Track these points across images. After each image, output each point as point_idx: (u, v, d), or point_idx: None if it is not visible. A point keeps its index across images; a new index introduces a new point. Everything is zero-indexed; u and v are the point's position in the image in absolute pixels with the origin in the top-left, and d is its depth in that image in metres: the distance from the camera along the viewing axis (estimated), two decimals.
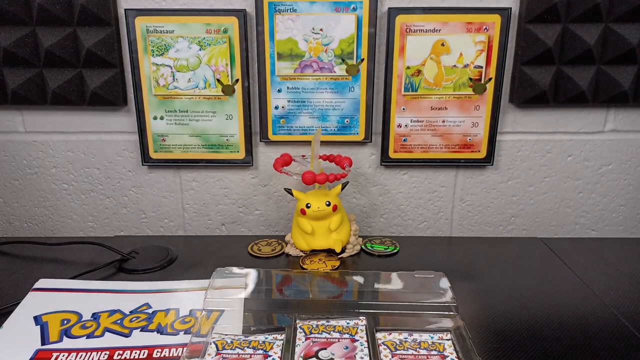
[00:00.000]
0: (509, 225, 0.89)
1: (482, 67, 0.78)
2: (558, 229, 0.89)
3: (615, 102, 0.80)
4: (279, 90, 0.79)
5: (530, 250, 0.80)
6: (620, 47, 0.76)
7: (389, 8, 0.75)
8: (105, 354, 0.54)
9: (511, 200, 0.87)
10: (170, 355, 0.53)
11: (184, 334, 0.57)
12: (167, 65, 0.78)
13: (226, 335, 0.56)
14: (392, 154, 0.83)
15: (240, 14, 0.76)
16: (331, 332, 0.56)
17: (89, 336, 0.56)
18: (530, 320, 0.61)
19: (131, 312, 0.61)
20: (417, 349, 0.54)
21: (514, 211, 0.88)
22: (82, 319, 0.59)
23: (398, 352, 0.53)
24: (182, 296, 0.65)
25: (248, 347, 0.54)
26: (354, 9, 0.75)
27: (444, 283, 0.65)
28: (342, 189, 0.78)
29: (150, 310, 0.62)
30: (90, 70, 0.78)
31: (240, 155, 0.83)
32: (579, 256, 0.78)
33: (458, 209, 0.88)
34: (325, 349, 0.53)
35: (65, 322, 0.59)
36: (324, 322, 0.58)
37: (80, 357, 0.53)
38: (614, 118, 0.83)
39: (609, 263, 0.76)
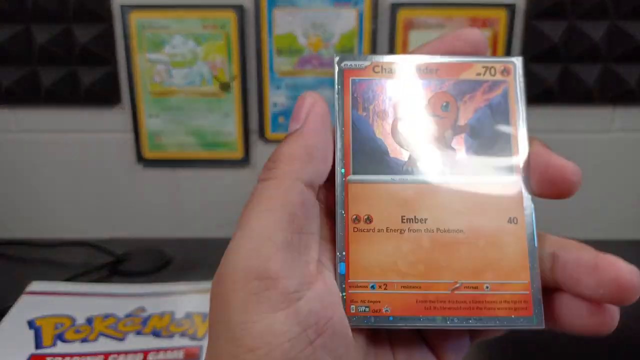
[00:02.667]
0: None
1: None
2: (562, 230, 0.88)
3: (622, 101, 0.79)
4: (278, 87, 0.78)
5: None
6: (627, 45, 0.75)
7: (391, 3, 0.74)
8: (100, 358, 0.53)
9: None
10: (166, 358, 0.53)
11: (180, 336, 0.56)
12: (162, 62, 0.77)
13: None
14: None
15: (238, 9, 0.75)
16: None
17: (83, 340, 0.56)
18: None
19: (126, 316, 0.60)
20: None
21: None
22: (76, 323, 0.59)
23: None
24: (177, 299, 0.64)
25: None
26: (355, 4, 0.74)
27: None
28: None
29: (145, 314, 0.61)
30: (85, 67, 0.78)
31: (238, 154, 0.82)
32: None
33: None
34: None
35: (59, 326, 0.58)
36: None
37: None
38: (620, 117, 0.82)
39: None
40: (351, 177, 0.24)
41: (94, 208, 0.87)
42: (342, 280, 0.23)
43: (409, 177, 0.24)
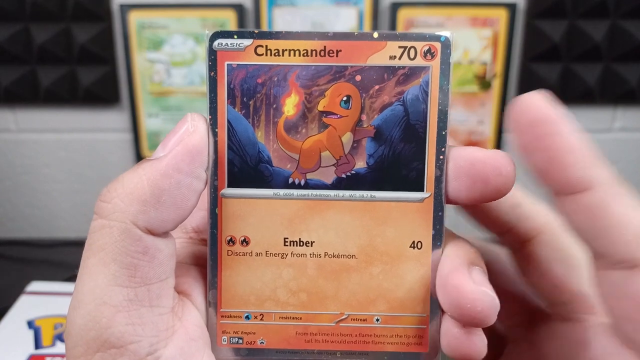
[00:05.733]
0: None
1: (487, 63, 0.77)
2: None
3: (623, 100, 0.79)
4: None
5: None
6: (628, 44, 0.75)
7: (392, 2, 0.74)
8: None
9: None
10: None
11: None
12: (161, 61, 0.77)
13: None
14: None
15: (238, 8, 0.74)
16: None
17: None
18: None
19: None
20: None
21: None
22: None
23: None
24: None
25: None
26: (355, 3, 0.74)
27: None
28: None
29: None
30: (84, 67, 0.77)
31: None
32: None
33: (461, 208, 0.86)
34: None
35: (59, 326, 0.58)
36: None
37: None
38: (621, 116, 0.81)
39: None
40: (225, 191, 0.20)
41: (93, 208, 0.87)
42: (214, 308, 0.20)
43: (295, 192, 0.20)
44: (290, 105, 0.20)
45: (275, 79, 0.20)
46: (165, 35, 0.76)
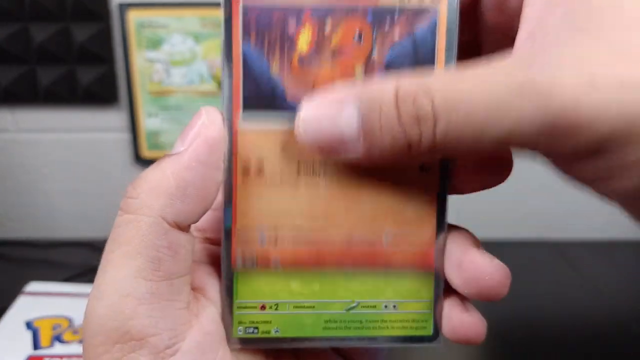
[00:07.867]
0: (514, 226, 0.87)
1: None
2: (567, 231, 0.87)
3: None
4: None
5: (536, 253, 0.79)
6: None
7: None
8: None
9: (517, 200, 0.86)
10: None
11: None
12: (161, 61, 0.77)
13: None
14: None
15: None
16: None
17: (80, 341, 0.55)
18: (539, 327, 0.59)
19: None
20: None
21: (521, 212, 0.87)
22: (73, 324, 0.59)
23: None
24: None
25: None
26: None
27: None
28: None
29: None
30: (83, 66, 0.77)
31: None
32: (589, 260, 0.76)
33: (460, 209, 0.86)
34: None
35: (57, 327, 0.58)
36: None
37: None
38: None
39: (620, 267, 0.75)
40: (241, 121, 0.21)
41: (92, 208, 0.87)
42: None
43: None
44: (304, 42, 0.21)
45: (289, 17, 0.20)
46: (164, 35, 0.76)
